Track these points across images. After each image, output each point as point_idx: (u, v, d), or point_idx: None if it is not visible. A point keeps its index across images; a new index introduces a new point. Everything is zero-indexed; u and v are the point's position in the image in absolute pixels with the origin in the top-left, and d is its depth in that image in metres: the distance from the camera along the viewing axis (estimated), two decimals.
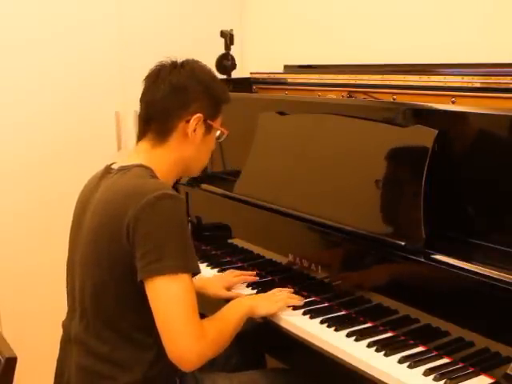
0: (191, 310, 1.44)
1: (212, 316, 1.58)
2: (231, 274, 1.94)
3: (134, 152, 1.62)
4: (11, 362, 1.39)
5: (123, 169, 1.56)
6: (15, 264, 2.63)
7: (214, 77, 1.67)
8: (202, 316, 1.51)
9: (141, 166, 1.55)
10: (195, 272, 1.48)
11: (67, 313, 1.64)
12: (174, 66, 1.60)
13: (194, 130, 1.59)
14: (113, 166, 1.61)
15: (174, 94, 1.57)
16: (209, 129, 1.63)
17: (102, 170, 1.64)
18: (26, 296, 2.67)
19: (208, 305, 1.80)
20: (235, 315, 1.59)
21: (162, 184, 1.51)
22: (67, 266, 1.64)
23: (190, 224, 2.33)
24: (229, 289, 1.88)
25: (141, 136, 1.62)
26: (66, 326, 1.63)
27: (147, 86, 1.62)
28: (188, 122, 1.58)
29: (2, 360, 1.39)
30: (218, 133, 1.69)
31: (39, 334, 2.56)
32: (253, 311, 1.66)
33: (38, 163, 2.64)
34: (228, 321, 1.57)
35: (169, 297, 1.42)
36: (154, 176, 1.54)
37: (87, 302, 1.53)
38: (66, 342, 1.61)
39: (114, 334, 1.50)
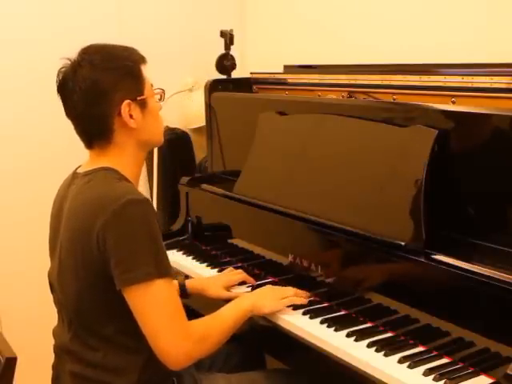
0: (172, 312, 1.43)
1: (208, 315, 1.57)
2: (230, 273, 1.92)
3: (91, 158, 1.58)
4: (11, 362, 1.39)
5: (88, 174, 1.53)
6: (15, 264, 2.62)
7: (114, 51, 1.55)
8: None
9: (105, 168, 1.52)
10: (168, 276, 1.45)
11: (57, 321, 1.64)
12: (74, 69, 1.51)
13: (131, 116, 1.51)
14: (78, 171, 1.59)
15: (91, 98, 1.49)
16: (143, 103, 1.54)
17: (70, 176, 1.61)
18: (26, 296, 2.66)
19: (208, 306, 1.80)
20: (233, 315, 1.58)
21: (126, 188, 1.47)
22: (49, 276, 1.63)
23: (189, 224, 2.34)
24: (229, 288, 1.86)
25: (88, 147, 1.57)
26: (56, 334, 1.63)
27: (64, 101, 1.54)
28: (120, 114, 1.51)
29: (2, 360, 1.39)
30: (158, 96, 1.62)
31: (39, 334, 2.55)
32: (256, 310, 1.64)
33: (38, 163, 2.64)
34: (223, 320, 1.55)
35: (147, 303, 1.41)
36: (120, 177, 1.51)
37: (71, 311, 1.53)
38: (59, 349, 1.61)
39: (101, 340, 1.49)
